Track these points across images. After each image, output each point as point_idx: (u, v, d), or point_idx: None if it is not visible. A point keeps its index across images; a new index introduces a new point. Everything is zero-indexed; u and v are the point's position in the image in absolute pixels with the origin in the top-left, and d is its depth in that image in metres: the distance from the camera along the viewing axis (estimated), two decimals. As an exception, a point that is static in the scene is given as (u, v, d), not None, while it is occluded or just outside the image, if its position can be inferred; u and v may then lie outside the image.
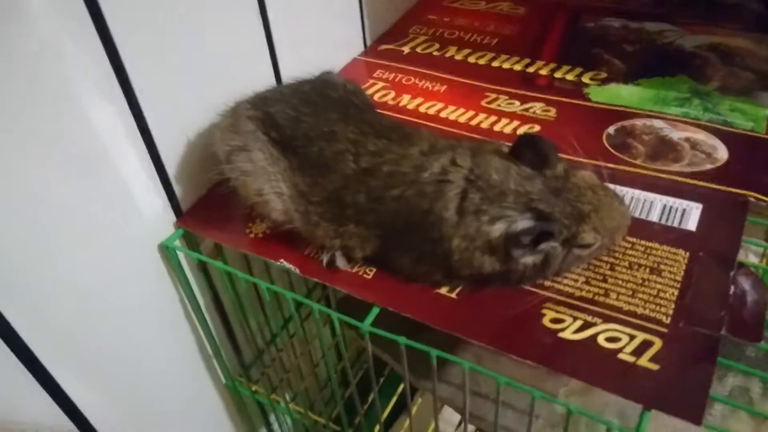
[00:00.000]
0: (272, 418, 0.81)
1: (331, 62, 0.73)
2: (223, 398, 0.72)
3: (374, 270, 0.50)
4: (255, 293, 0.64)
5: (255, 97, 0.53)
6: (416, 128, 0.51)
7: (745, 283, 0.46)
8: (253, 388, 0.70)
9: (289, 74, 0.64)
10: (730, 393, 0.64)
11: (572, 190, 0.45)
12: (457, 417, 0.84)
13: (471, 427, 0.65)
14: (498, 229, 0.44)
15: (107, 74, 0.46)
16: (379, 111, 0.55)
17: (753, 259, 0.72)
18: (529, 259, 0.45)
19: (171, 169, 0.55)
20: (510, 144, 0.47)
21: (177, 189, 0.56)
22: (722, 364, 0.45)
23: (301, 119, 0.50)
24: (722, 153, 0.57)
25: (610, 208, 0.46)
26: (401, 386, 0.78)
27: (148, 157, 0.52)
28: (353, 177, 0.48)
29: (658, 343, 0.42)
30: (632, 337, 0.43)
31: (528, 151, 0.45)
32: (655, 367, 0.41)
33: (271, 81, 0.64)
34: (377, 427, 0.62)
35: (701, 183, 0.54)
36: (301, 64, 0.66)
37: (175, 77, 0.52)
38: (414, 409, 0.69)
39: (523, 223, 0.44)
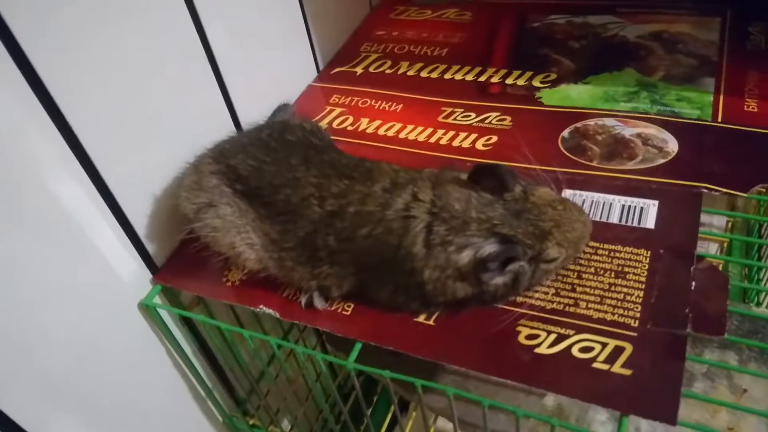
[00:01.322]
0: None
1: (287, 93, 0.74)
2: (224, 437, 0.73)
3: (352, 305, 0.51)
4: (240, 336, 0.65)
5: (215, 150, 0.54)
6: (377, 163, 0.52)
7: (706, 276, 0.48)
8: (251, 422, 0.71)
9: (246, 115, 0.66)
10: (709, 368, 0.67)
11: (532, 209, 0.46)
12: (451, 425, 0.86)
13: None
14: (466, 256, 0.46)
15: (62, 148, 0.47)
16: (337, 148, 0.55)
17: (713, 249, 0.75)
18: (499, 280, 0.47)
19: (141, 230, 0.55)
20: (469, 160, 0.48)
21: (150, 247, 0.57)
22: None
23: (263, 168, 0.51)
24: (672, 146, 0.59)
25: (571, 221, 0.47)
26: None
27: (115, 221, 0.53)
28: (321, 221, 0.49)
29: (628, 348, 0.44)
30: (604, 345, 0.45)
31: (485, 177, 0.47)
32: (627, 372, 0.43)
33: (230, 126, 0.65)
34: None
35: (655, 179, 0.56)
36: (257, 102, 0.67)
37: (132, 140, 0.53)
38: (409, 423, 0.71)
39: (489, 248, 0.45)
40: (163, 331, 0.58)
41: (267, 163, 0.51)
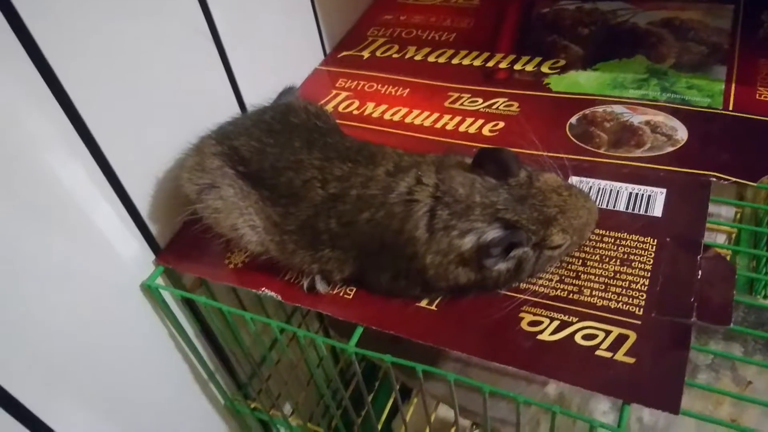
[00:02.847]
0: None
1: (293, 76, 0.73)
2: (225, 419, 0.73)
3: (354, 289, 0.51)
4: (242, 318, 0.65)
5: (218, 132, 0.54)
6: (380, 146, 0.52)
7: (712, 266, 0.47)
8: (252, 406, 0.71)
9: (252, 98, 0.65)
10: (713, 359, 0.66)
11: (537, 195, 0.46)
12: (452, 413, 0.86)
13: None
14: (469, 241, 0.45)
15: (65, 127, 0.46)
16: (342, 131, 0.55)
17: (721, 240, 0.74)
18: (502, 266, 0.46)
19: (143, 210, 0.55)
20: (475, 145, 0.48)
21: (152, 228, 0.56)
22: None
23: (266, 150, 0.51)
24: (682, 134, 0.58)
25: (576, 207, 0.47)
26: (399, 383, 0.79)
27: (118, 201, 0.52)
28: (323, 204, 0.48)
29: (632, 336, 0.44)
30: (608, 333, 0.44)
31: (490, 162, 0.46)
32: (631, 360, 0.42)
33: (235, 108, 0.64)
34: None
35: (664, 167, 0.55)
36: (263, 84, 0.67)
37: (135, 120, 0.52)
38: (410, 410, 0.70)
39: (492, 233, 0.45)
40: (165, 313, 0.58)
41: (270, 145, 0.51)
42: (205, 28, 0.59)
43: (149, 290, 0.56)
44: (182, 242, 0.58)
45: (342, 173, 0.49)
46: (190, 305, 0.62)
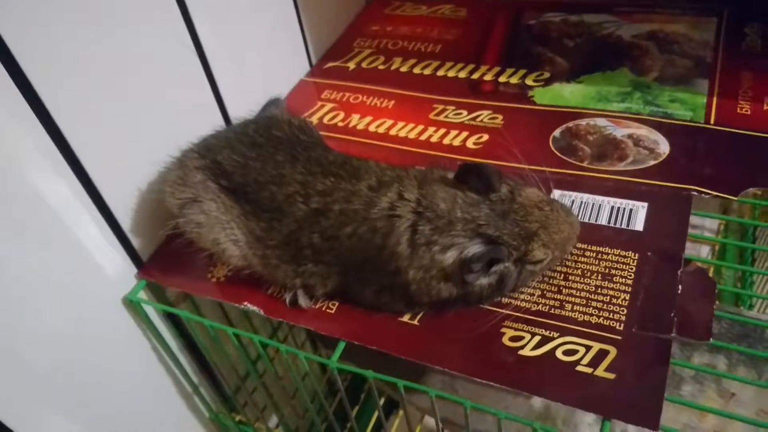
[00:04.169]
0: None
1: (278, 88, 0.73)
2: (210, 432, 0.73)
3: (337, 304, 0.51)
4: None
5: (201, 145, 0.54)
6: (364, 161, 0.52)
7: (693, 281, 0.47)
8: (237, 419, 0.71)
9: (237, 110, 0.65)
10: (697, 371, 0.66)
11: (518, 210, 0.46)
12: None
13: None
14: (450, 256, 0.45)
15: (45, 142, 0.46)
16: (326, 145, 0.55)
17: (705, 252, 0.74)
18: (484, 281, 0.46)
19: (125, 224, 0.55)
20: (459, 158, 0.48)
21: (135, 242, 0.56)
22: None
23: (249, 165, 0.50)
24: (664, 147, 0.58)
25: (558, 222, 0.47)
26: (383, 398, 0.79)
27: (99, 215, 0.52)
28: (306, 218, 0.48)
29: (613, 352, 0.44)
30: (588, 348, 0.44)
31: (472, 177, 0.46)
32: (611, 376, 0.43)
33: (219, 121, 0.64)
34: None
35: (646, 180, 0.55)
36: (248, 96, 0.67)
37: (117, 134, 0.52)
38: (397, 422, 0.70)
39: (473, 249, 0.45)
40: (148, 327, 0.58)
41: (253, 159, 0.51)
42: (189, 41, 0.59)
43: (131, 304, 0.55)
44: (165, 256, 0.58)
45: (324, 188, 0.49)
46: (173, 319, 0.61)
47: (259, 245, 0.50)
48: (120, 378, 0.57)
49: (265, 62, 0.71)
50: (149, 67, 0.54)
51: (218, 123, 0.64)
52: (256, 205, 0.50)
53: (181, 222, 0.51)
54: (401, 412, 0.80)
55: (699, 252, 0.73)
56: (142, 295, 0.56)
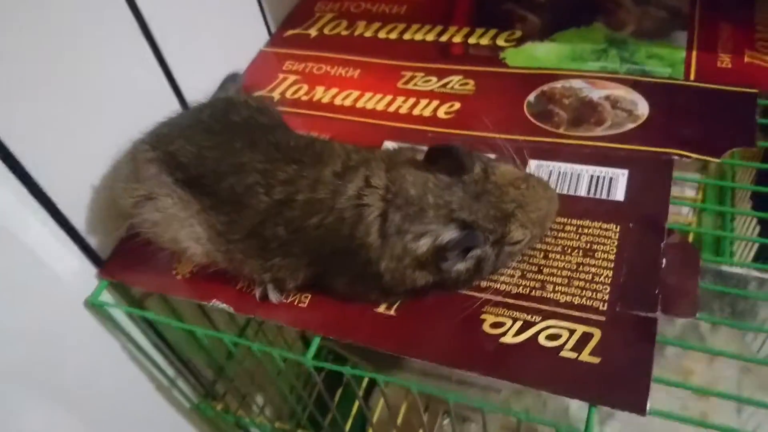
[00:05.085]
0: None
1: (236, 61, 0.69)
2: (195, 423, 0.71)
3: (309, 296, 0.49)
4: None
5: (152, 135, 0.50)
6: (327, 143, 0.48)
7: (676, 252, 0.46)
8: (219, 407, 0.69)
9: (192, 90, 0.61)
10: (681, 331, 0.66)
11: (493, 191, 0.43)
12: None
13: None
14: (424, 244, 0.43)
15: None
16: (287, 127, 0.52)
17: (689, 193, 0.73)
18: (461, 266, 0.44)
19: (79, 223, 0.51)
20: (431, 130, 0.44)
21: (92, 241, 0.53)
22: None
23: (204, 155, 0.47)
24: (642, 108, 0.55)
25: (535, 199, 0.45)
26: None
27: (47, 216, 0.49)
28: (269, 210, 0.45)
29: (597, 334, 0.42)
30: (572, 332, 0.43)
31: (442, 158, 0.44)
32: (596, 360, 0.41)
33: (174, 104, 0.60)
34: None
35: (625, 146, 0.53)
36: (203, 73, 0.63)
37: (59, 128, 0.48)
38: (380, 404, 0.69)
39: (448, 235, 0.42)
40: (116, 327, 0.55)
41: (208, 149, 0.47)
42: (130, 17, 0.54)
43: (95, 307, 0.53)
44: (126, 253, 0.55)
45: (287, 176, 0.45)
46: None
47: (222, 241, 0.47)
48: (91, 379, 0.55)
49: (219, 34, 0.66)
50: (90, 51, 0.50)
51: (173, 107, 0.60)
52: (215, 198, 0.47)
53: (135, 222, 0.47)
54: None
55: (680, 210, 0.72)
56: (106, 295, 0.53)
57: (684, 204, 0.69)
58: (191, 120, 0.50)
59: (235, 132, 0.48)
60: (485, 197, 0.43)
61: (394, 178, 0.44)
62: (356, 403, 0.76)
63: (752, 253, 0.79)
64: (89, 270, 0.53)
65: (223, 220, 0.47)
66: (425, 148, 0.46)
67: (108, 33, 0.52)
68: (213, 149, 0.47)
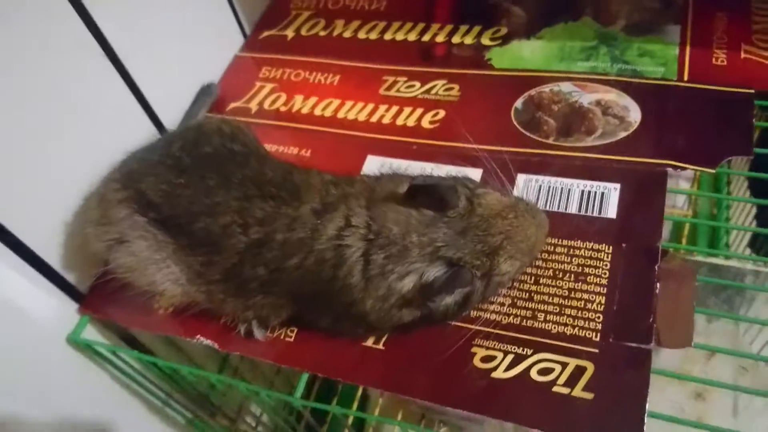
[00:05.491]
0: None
1: (210, 70, 0.66)
2: (189, 437, 0.71)
3: (296, 330, 0.47)
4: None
5: (122, 172, 0.48)
6: (305, 175, 0.46)
7: (671, 278, 0.44)
8: (213, 421, 0.69)
9: (165, 109, 0.58)
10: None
11: (480, 224, 0.42)
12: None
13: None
14: (409, 282, 0.41)
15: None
16: (262, 153, 0.49)
17: (684, 185, 0.71)
18: (449, 299, 0.43)
19: (54, 260, 0.50)
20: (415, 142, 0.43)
21: (70, 277, 0.51)
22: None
23: (177, 193, 0.45)
24: (635, 114, 0.53)
25: (524, 228, 0.43)
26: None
27: (20, 260, 0.47)
28: (247, 250, 0.43)
29: (590, 368, 0.41)
30: (564, 365, 0.42)
31: (424, 195, 0.42)
32: (589, 396, 0.40)
33: (146, 124, 0.57)
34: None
35: (617, 157, 0.51)
36: (175, 88, 0.60)
37: (22, 166, 0.46)
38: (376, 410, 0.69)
39: (433, 272, 0.41)
40: (103, 360, 0.54)
41: (180, 187, 0.45)
42: (88, 36, 0.51)
43: (76, 345, 0.51)
44: (105, 286, 0.53)
45: (264, 215, 0.43)
46: (129, 341, 0.57)
47: (201, 281, 0.45)
48: (82, 409, 0.54)
49: (189, 42, 0.63)
50: (43, 74, 0.47)
51: (147, 128, 0.57)
52: (191, 238, 0.45)
53: (110, 268, 0.46)
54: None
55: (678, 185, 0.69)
56: (89, 330, 0.52)
57: (680, 192, 0.67)
58: (161, 155, 0.47)
59: (207, 167, 0.46)
60: (471, 232, 0.41)
61: (375, 216, 0.42)
62: (354, 407, 0.75)
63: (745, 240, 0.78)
64: (70, 306, 0.52)
65: (201, 261, 0.45)
66: (410, 166, 0.44)
67: (75, 64, 0.49)
68: (185, 187, 0.45)
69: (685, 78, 0.55)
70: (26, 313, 0.48)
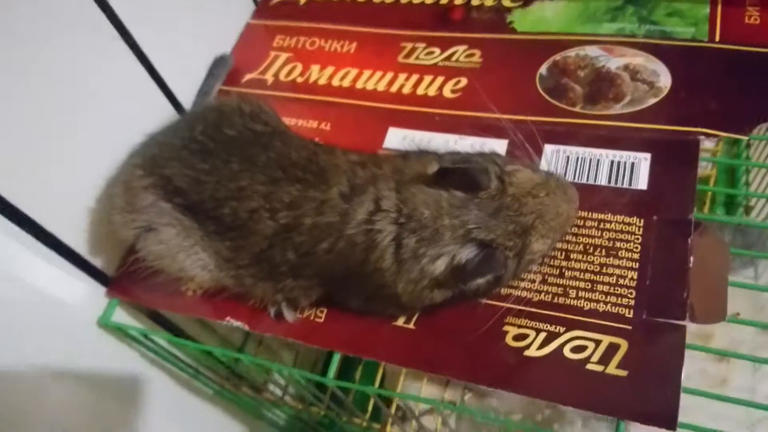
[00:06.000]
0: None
1: (223, 39, 0.64)
2: (219, 406, 0.72)
3: (325, 311, 0.48)
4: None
5: (145, 158, 0.47)
6: (330, 156, 0.45)
7: (705, 250, 0.44)
8: (239, 390, 0.70)
9: (181, 84, 0.57)
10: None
11: (511, 204, 0.41)
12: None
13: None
14: (441, 264, 0.41)
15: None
16: (285, 132, 0.48)
17: (708, 145, 0.69)
18: (481, 280, 0.43)
19: (81, 246, 0.50)
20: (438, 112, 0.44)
21: (96, 261, 0.51)
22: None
23: (202, 179, 0.44)
24: (665, 79, 0.51)
25: (555, 205, 0.42)
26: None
27: (46, 249, 0.47)
28: (276, 235, 0.43)
29: (624, 345, 0.41)
30: (598, 343, 0.42)
31: (455, 176, 0.41)
32: (623, 373, 0.40)
33: (163, 103, 0.56)
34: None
35: (646, 125, 0.50)
36: (189, 62, 0.59)
37: (41, 155, 0.45)
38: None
39: (466, 253, 0.41)
40: (133, 341, 0.54)
41: (206, 173, 0.44)
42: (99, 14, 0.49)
43: (106, 327, 0.52)
44: (133, 270, 0.53)
45: (291, 198, 0.43)
46: (159, 320, 0.58)
47: (230, 266, 0.45)
48: (114, 384, 0.55)
49: (200, 12, 0.61)
50: (63, 62, 0.46)
51: (163, 106, 0.56)
52: (218, 224, 0.44)
53: (139, 255, 0.46)
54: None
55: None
56: (119, 313, 0.52)
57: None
58: (184, 139, 0.46)
59: (231, 150, 0.45)
60: (503, 213, 0.41)
61: (406, 198, 0.41)
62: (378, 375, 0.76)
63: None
64: (99, 290, 0.52)
65: (229, 246, 0.45)
66: (433, 138, 0.43)
67: (87, 46, 0.48)
68: (210, 173, 0.44)
69: (717, 39, 0.53)
70: (57, 299, 0.48)
